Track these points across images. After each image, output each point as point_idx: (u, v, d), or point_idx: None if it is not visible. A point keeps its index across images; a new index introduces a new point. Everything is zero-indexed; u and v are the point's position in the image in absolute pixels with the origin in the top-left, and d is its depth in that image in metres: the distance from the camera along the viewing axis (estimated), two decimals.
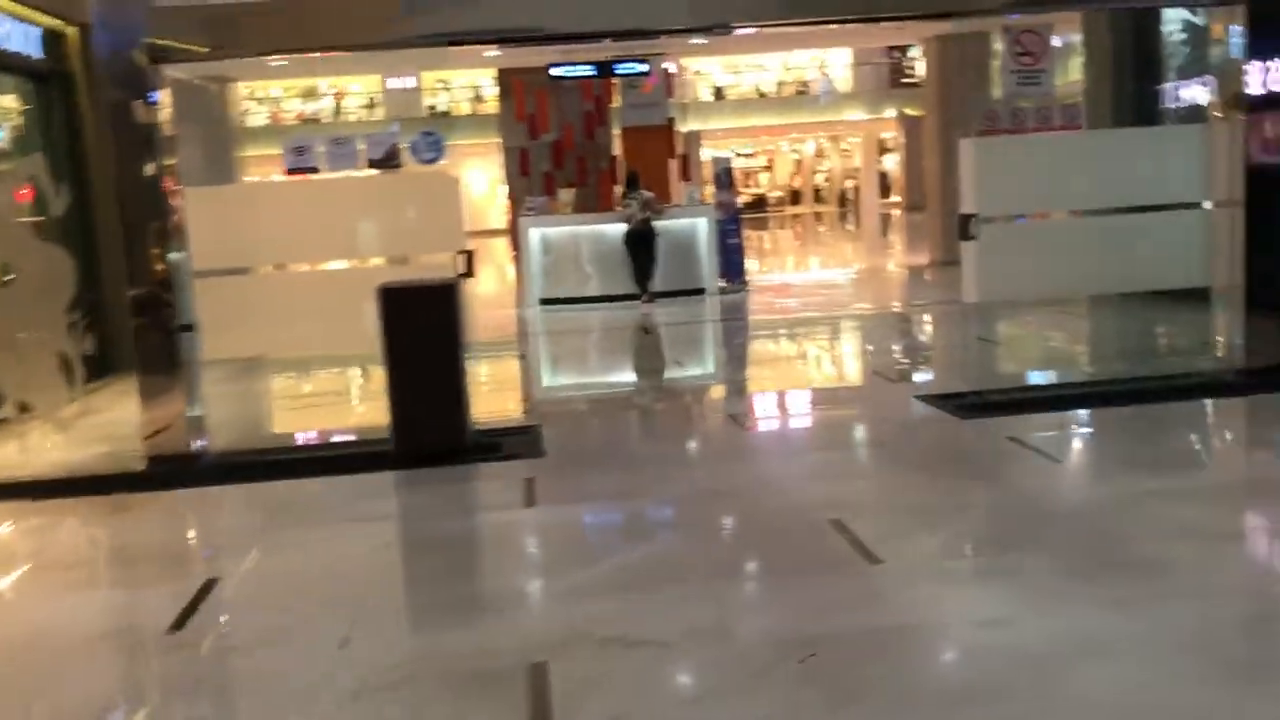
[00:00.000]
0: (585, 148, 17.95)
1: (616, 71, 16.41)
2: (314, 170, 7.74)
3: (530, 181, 18.24)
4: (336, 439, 8.66)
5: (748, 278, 16.91)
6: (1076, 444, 7.37)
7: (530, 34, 8.17)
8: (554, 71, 16.36)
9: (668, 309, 15.25)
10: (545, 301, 16.27)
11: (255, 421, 9.66)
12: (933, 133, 18.29)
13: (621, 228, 15.83)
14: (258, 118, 41.45)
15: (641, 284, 15.87)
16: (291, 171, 7.73)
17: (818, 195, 46.95)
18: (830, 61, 42.56)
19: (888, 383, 9.45)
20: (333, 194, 7.89)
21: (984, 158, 8.01)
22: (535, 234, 16.22)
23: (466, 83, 39.85)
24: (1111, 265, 8.20)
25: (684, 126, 37.66)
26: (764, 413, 9.07)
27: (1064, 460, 6.83)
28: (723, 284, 16.34)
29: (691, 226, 16.31)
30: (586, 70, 16.30)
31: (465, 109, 40.61)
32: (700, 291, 16.25)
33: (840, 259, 24.70)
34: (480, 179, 39.25)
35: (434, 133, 7.83)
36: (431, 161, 7.81)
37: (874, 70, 40.83)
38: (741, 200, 46.25)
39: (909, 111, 38.62)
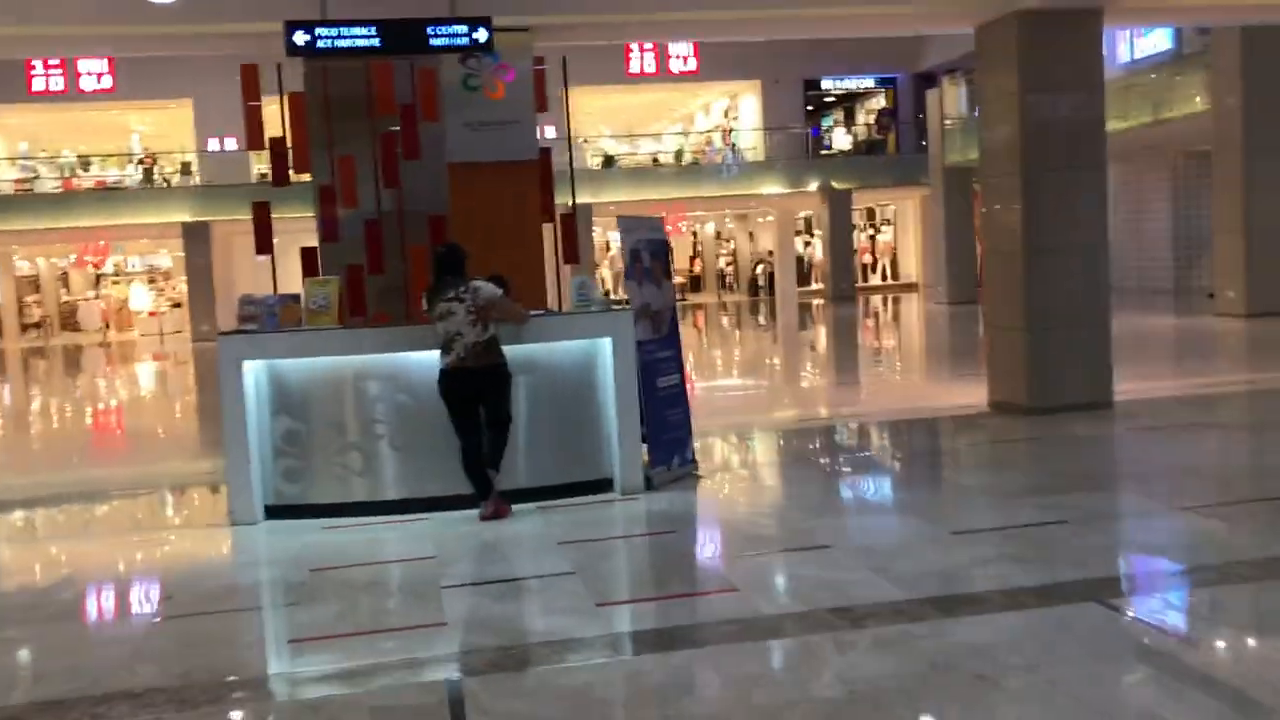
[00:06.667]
0: (382, 201, 8.97)
1: (433, 43, 7.55)
2: None
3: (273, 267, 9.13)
4: None
5: (695, 454, 8.07)
6: None
7: None
8: (299, 38, 7.38)
9: (529, 536, 6.40)
10: (276, 512, 7.22)
11: None
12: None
13: (436, 361, 6.97)
14: None
15: (478, 478, 6.95)
16: None
17: (723, 281, 38.63)
18: (737, 126, 34.53)
19: None
20: None
21: None
22: (253, 373, 7.19)
23: None
24: None
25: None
26: None
27: None
28: (650, 469, 7.53)
29: (585, 355, 7.49)
30: (363, 36, 7.40)
31: None
32: (604, 486, 7.39)
33: (819, 376, 16.12)
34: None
35: None
36: None
37: (788, 139, 32.92)
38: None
39: (835, 185, 30.70)
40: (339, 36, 7.38)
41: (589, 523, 6.78)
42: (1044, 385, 9.68)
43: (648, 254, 7.86)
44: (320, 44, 7.38)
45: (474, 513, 6.94)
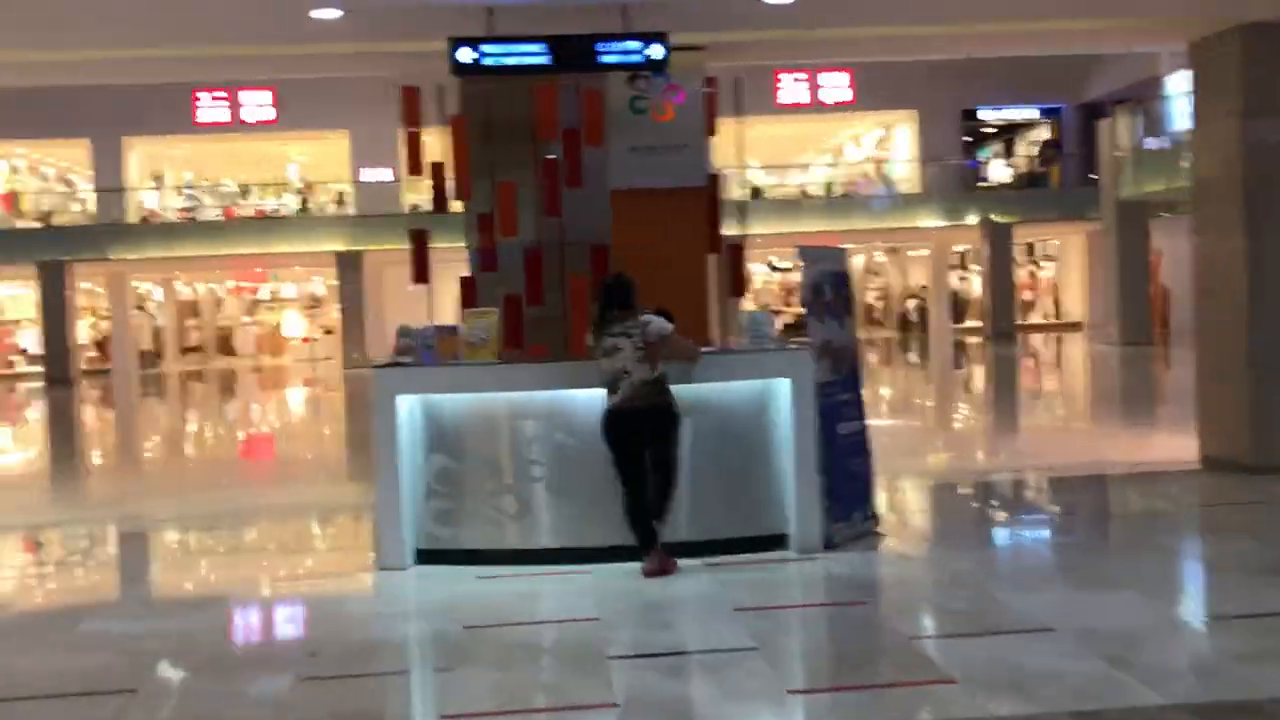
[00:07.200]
0: (542, 229, 8.57)
1: (605, 60, 7.07)
2: None
3: (431, 295, 8.78)
4: None
5: (877, 510, 7.34)
6: None
7: None
8: (464, 55, 7.00)
9: (699, 598, 5.78)
10: (427, 556, 6.77)
11: None
12: None
13: (600, 399, 6.43)
14: None
15: (641, 529, 6.37)
16: None
17: (870, 316, 37.49)
18: (891, 157, 33.57)
19: None
20: None
21: None
22: (406, 408, 6.78)
23: None
24: None
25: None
26: None
27: None
28: (829, 525, 6.81)
29: (758, 396, 6.85)
30: (532, 54, 6.96)
31: None
32: (776, 543, 6.71)
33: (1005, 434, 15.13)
34: None
35: None
36: None
37: (944, 171, 31.80)
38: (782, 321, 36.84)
39: (996, 218, 29.45)
40: (506, 54, 6.97)
41: (765, 585, 6.13)
42: (1270, 440, 8.61)
43: (829, 287, 7.19)
44: (486, 62, 6.98)
45: (636, 566, 6.36)
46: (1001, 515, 8.42)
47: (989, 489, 9.53)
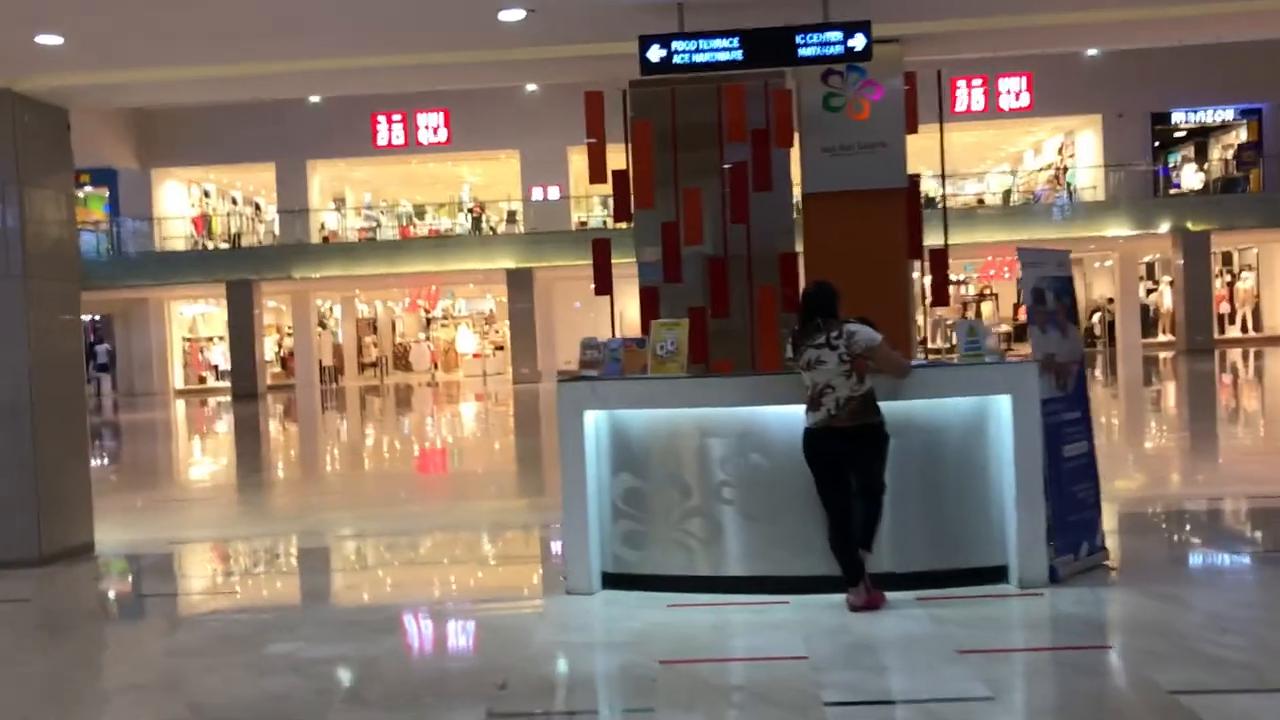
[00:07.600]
0: (722, 238, 8.10)
1: (802, 54, 6.54)
2: None
3: (617, 308, 8.41)
4: None
5: (1104, 540, 6.58)
6: None
7: None
8: (654, 53, 6.57)
9: (914, 636, 5.16)
10: (613, 580, 6.37)
11: None
12: None
13: (800, 417, 5.90)
14: None
15: (847, 558, 5.80)
16: None
17: None
18: (1074, 165, 31.91)
19: None
20: None
21: None
22: (593, 422, 6.39)
23: None
24: None
25: None
26: None
27: None
28: (1054, 557, 6.08)
29: (973, 414, 6.19)
30: (723, 49, 6.47)
31: None
32: (993, 576, 6.04)
33: None
34: None
35: None
36: None
37: (1131, 177, 30.00)
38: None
39: (1191, 226, 27.60)
40: (697, 50, 6.52)
41: (989, 624, 5.48)
42: None
43: (1052, 294, 6.49)
44: (676, 59, 6.55)
45: (838, 599, 5.80)
46: (1248, 549, 7.48)
47: (1224, 518, 8.57)
